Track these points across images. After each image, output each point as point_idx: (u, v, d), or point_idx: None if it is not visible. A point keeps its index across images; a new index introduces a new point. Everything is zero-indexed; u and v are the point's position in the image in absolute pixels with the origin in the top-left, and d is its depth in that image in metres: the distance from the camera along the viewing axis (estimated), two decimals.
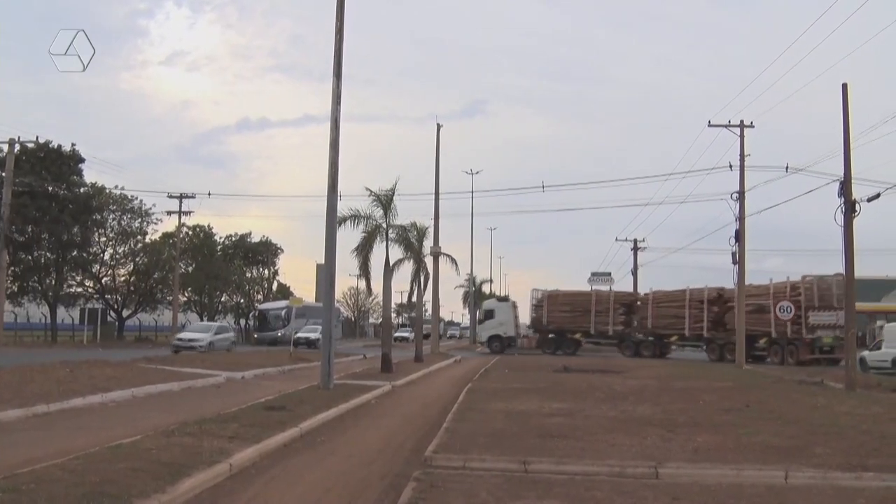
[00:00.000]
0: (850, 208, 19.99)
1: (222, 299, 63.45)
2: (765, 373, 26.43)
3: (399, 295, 58.39)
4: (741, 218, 31.58)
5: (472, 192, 53.79)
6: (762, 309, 36.14)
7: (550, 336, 44.47)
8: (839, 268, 21.54)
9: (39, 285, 44.29)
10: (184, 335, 34.98)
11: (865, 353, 30.81)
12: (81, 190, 43.80)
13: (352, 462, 9.09)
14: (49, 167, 40.60)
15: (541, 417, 12.31)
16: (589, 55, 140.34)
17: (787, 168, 31.60)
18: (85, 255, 46.49)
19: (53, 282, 44.87)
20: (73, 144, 42.62)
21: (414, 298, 33.73)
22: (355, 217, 24.49)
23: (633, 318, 43.42)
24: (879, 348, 30.28)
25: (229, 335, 36.66)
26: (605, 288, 48.82)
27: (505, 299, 53.14)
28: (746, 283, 34.35)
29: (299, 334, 42.23)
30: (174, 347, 32.22)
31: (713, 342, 39.37)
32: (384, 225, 25.16)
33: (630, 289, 51.26)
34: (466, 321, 56.33)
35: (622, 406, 14.23)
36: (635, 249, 57.28)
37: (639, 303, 44.12)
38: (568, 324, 43.89)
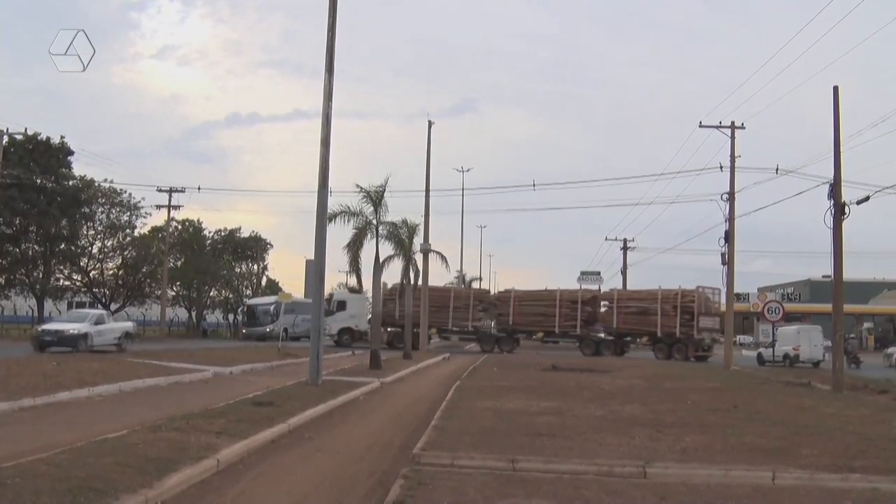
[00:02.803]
0: (839, 211, 20.10)
1: (211, 294, 63.20)
2: (752, 374, 26.57)
3: None
4: (731, 219, 31.70)
5: (463, 189, 53.79)
6: (647, 311, 40.73)
7: (401, 330, 43.47)
8: (828, 270, 21.68)
9: (27, 278, 44.01)
10: None
11: (762, 350, 38.55)
12: (70, 183, 43.59)
13: (340, 459, 9.08)
14: (38, 159, 40.38)
15: (529, 416, 12.32)
16: (580, 56, 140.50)
17: (777, 170, 31.85)
18: (73, 248, 46.27)
19: (41, 275, 44.62)
20: (62, 137, 42.46)
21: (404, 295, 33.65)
22: (345, 213, 24.44)
23: (491, 315, 45.47)
24: (773, 346, 37.00)
25: None
26: (594, 287, 49.13)
27: (357, 291, 50.16)
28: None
29: (46, 326, 28.52)
30: None
31: (586, 339, 42.61)
32: (374, 221, 25.12)
33: (620, 287, 51.62)
34: None
35: (610, 405, 14.25)
36: (625, 249, 57.63)
37: (498, 300, 45.50)
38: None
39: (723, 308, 36.05)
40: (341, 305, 45.87)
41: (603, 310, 43.80)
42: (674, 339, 39.76)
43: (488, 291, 46.87)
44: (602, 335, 42.96)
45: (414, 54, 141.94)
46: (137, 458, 7.41)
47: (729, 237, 31.67)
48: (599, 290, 48.42)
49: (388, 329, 44.30)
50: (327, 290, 44.52)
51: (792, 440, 10.20)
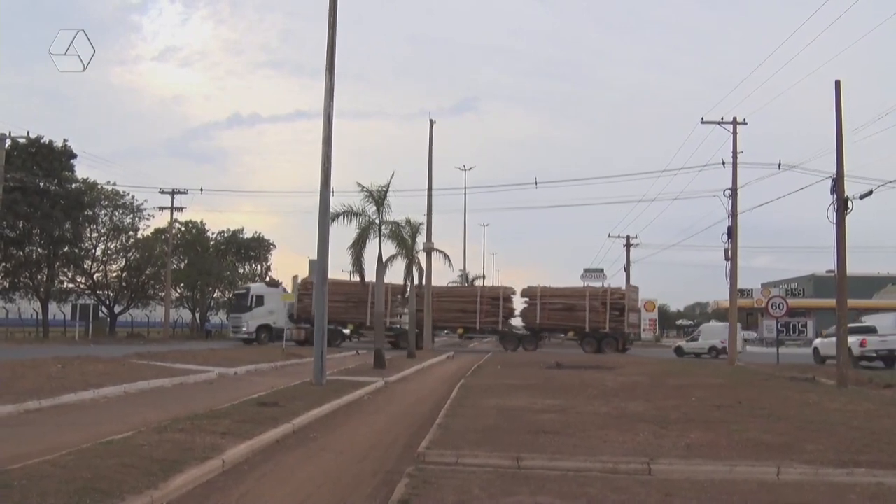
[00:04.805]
0: (842, 205, 20.03)
1: (214, 295, 63.26)
2: (756, 370, 26.51)
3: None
4: (734, 215, 31.62)
5: (465, 188, 53.85)
6: (573, 308, 42.44)
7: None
8: (831, 265, 21.62)
9: (31, 281, 44.13)
10: None
11: (682, 342, 43.04)
12: (73, 185, 43.69)
13: (344, 458, 9.08)
14: (41, 162, 40.47)
15: (533, 413, 12.31)
16: (580, 55, 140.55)
17: (779, 165, 31.75)
18: (77, 250, 46.38)
19: (45, 277, 44.74)
20: (64, 140, 42.57)
21: (407, 294, 33.59)
22: (348, 213, 24.44)
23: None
24: (696, 340, 42.05)
25: None
26: (597, 284, 49.01)
27: (276, 285, 48.63)
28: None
29: None
30: None
31: (508, 334, 44.34)
32: (377, 221, 25.13)
33: (622, 285, 51.47)
34: None
35: (614, 402, 14.22)
36: (628, 246, 57.56)
37: (417, 297, 44.98)
38: (341, 314, 42.35)
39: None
40: (259, 300, 43.84)
41: (523, 306, 45.13)
42: (602, 333, 41.86)
43: (406, 287, 46.45)
44: (521, 330, 44.47)
45: (414, 53, 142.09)
46: (143, 459, 7.43)
47: (732, 233, 31.61)
48: (539, 287, 48.40)
49: (304, 326, 42.13)
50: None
51: (796, 435, 10.18)
